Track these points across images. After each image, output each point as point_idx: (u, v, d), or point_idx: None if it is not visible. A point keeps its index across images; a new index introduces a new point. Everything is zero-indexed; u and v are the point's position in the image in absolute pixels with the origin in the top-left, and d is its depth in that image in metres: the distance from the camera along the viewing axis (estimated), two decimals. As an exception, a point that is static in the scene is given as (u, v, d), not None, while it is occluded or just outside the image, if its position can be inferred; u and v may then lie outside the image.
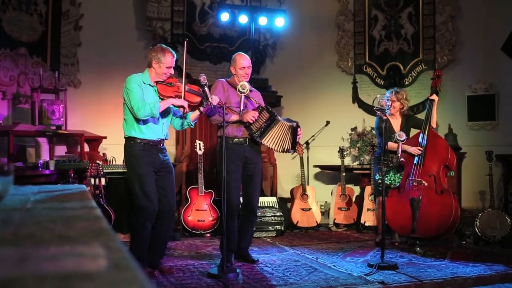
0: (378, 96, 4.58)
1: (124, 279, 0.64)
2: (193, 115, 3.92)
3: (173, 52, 3.77)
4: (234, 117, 4.05)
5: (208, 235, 5.55)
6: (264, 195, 6.23)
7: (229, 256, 4.01)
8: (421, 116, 5.31)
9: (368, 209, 5.99)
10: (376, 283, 3.59)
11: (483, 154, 5.47)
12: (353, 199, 6.34)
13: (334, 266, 4.14)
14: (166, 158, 3.87)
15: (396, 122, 5.10)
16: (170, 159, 4.01)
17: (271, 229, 5.67)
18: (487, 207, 5.42)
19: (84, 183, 4.94)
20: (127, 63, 6.44)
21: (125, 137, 3.78)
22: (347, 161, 6.83)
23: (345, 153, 6.39)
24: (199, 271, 3.93)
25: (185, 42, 3.99)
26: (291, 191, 6.34)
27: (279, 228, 5.70)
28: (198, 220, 5.56)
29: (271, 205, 5.87)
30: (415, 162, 4.82)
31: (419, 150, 4.83)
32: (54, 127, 5.78)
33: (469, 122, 6.78)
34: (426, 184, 4.71)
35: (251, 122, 4.00)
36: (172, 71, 3.80)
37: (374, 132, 6.85)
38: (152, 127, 3.74)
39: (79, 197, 1.65)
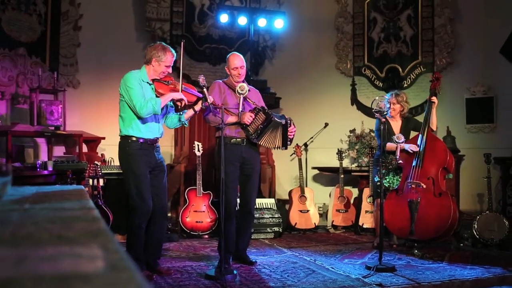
0: (377, 98, 4.58)
1: (122, 280, 0.64)
2: (187, 114, 3.93)
3: (173, 51, 3.78)
4: (232, 119, 4.05)
5: (206, 236, 5.55)
6: (262, 196, 6.23)
7: (227, 258, 4.00)
8: (420, 118, 5.31)
9: (366, 211, 5.99)
10: (374, 285, 3.59)
11: (482, 157, 5.48)
12: (351, 201, 6.34)
13: (332, 268, 4.14)
14: (160, 157, 3.87)
15: (396, 125, 5.11)
16: (168, 160, 4.02)
17: (269, 230, 5.67)
18: (485, 209, 5.43)
19: (82, 183, 4.94)
20: (126, 63, 6.39)
21: (121, 135, 3.75)
22: (346, 163, 6.83)
23: (343, 155, 6.39)
24: (197, 272, 3.93)
25: (182, 42, 4.00)
26: (290, 193, 6.34)
27: (277, 229, 5.70)
28: (196, 222, 5.55)
29: (269, 207, 5.87)
30: (413, 164, 4.82)
31: (416, 147, 4.83)
32: (53, 128, 5.78)
33: (468, 124, 6.78)
34: (424, 186, 4.72)
35: (248, 123, 4.01)
36: (170, 70, 3.81)
37: (372, 134, 6.87)
38: (151, 126, 3.73)
39: (77, 198, 1.65)
